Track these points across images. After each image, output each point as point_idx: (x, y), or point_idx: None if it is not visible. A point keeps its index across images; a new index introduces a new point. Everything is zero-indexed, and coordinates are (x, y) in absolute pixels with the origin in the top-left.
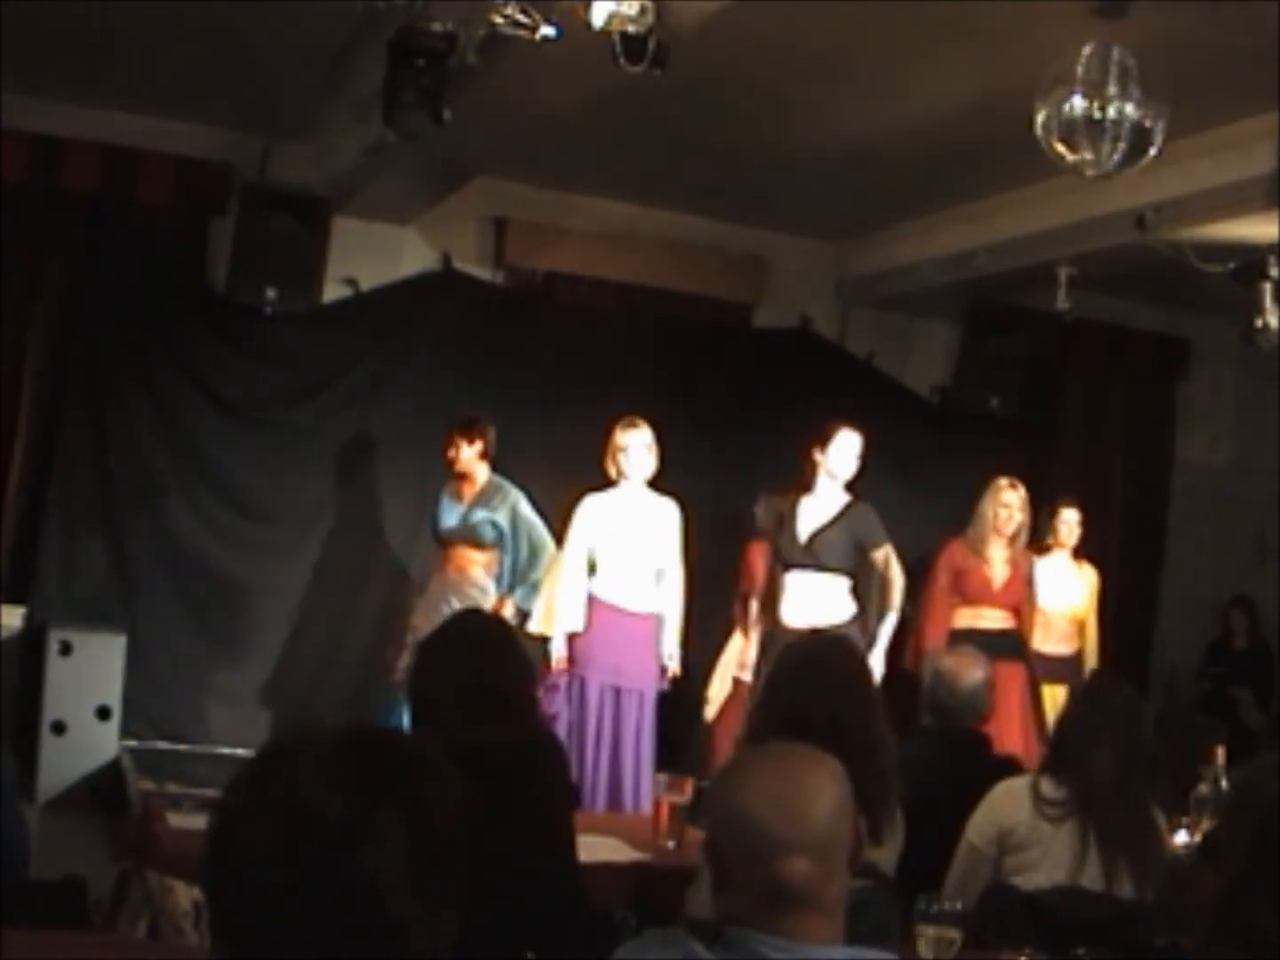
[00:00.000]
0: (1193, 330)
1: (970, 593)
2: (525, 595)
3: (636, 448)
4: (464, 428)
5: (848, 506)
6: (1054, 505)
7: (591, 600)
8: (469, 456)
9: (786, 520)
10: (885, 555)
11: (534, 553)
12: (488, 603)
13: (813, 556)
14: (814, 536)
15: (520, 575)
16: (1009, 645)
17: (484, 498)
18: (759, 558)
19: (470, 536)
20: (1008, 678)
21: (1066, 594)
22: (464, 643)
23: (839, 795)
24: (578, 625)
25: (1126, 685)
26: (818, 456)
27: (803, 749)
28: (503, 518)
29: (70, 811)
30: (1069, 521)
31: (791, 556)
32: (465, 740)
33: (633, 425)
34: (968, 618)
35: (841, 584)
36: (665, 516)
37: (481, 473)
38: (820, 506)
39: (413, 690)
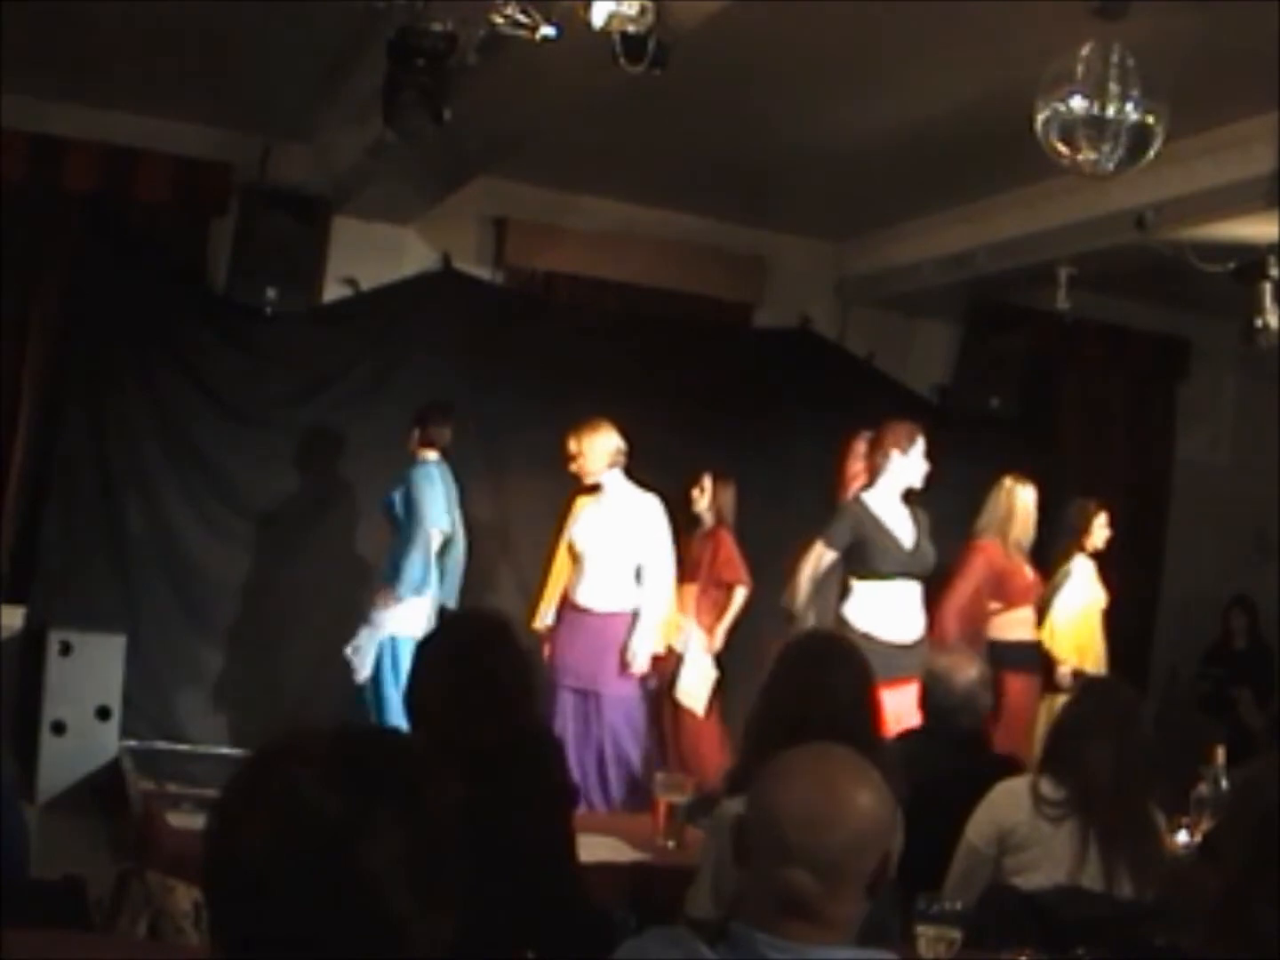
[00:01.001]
0: (1193, 330)
1: (1014, 595)
2: (406, 588)
3: (575, 458)
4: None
5: (914, 511)
6: (1089, 508)
7: (565, 602)
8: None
9: (871, 524)
10: None
11: (408, 538)
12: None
13: (914, 563)
14: (918, 543)
15: (394, 562)
16: (1037, 656)
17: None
18: (732, 545)
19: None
20: (1028, 691)
21: (1098, 598)
22: (460, 641)
23: (871, 823)
24: (547, 620)
25: (1123, 684)
26: (897, 457)
27: (857, 766)
28: (398, 495)
29: (70, 811)
30: (1103, 525)
31: (901, 564)
32: (464, 740)
33: (572, 432)
34: (1005, 626)
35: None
36: (647, 513)
37: (419, 456)
38: (895, 510)
39: (410, 691)
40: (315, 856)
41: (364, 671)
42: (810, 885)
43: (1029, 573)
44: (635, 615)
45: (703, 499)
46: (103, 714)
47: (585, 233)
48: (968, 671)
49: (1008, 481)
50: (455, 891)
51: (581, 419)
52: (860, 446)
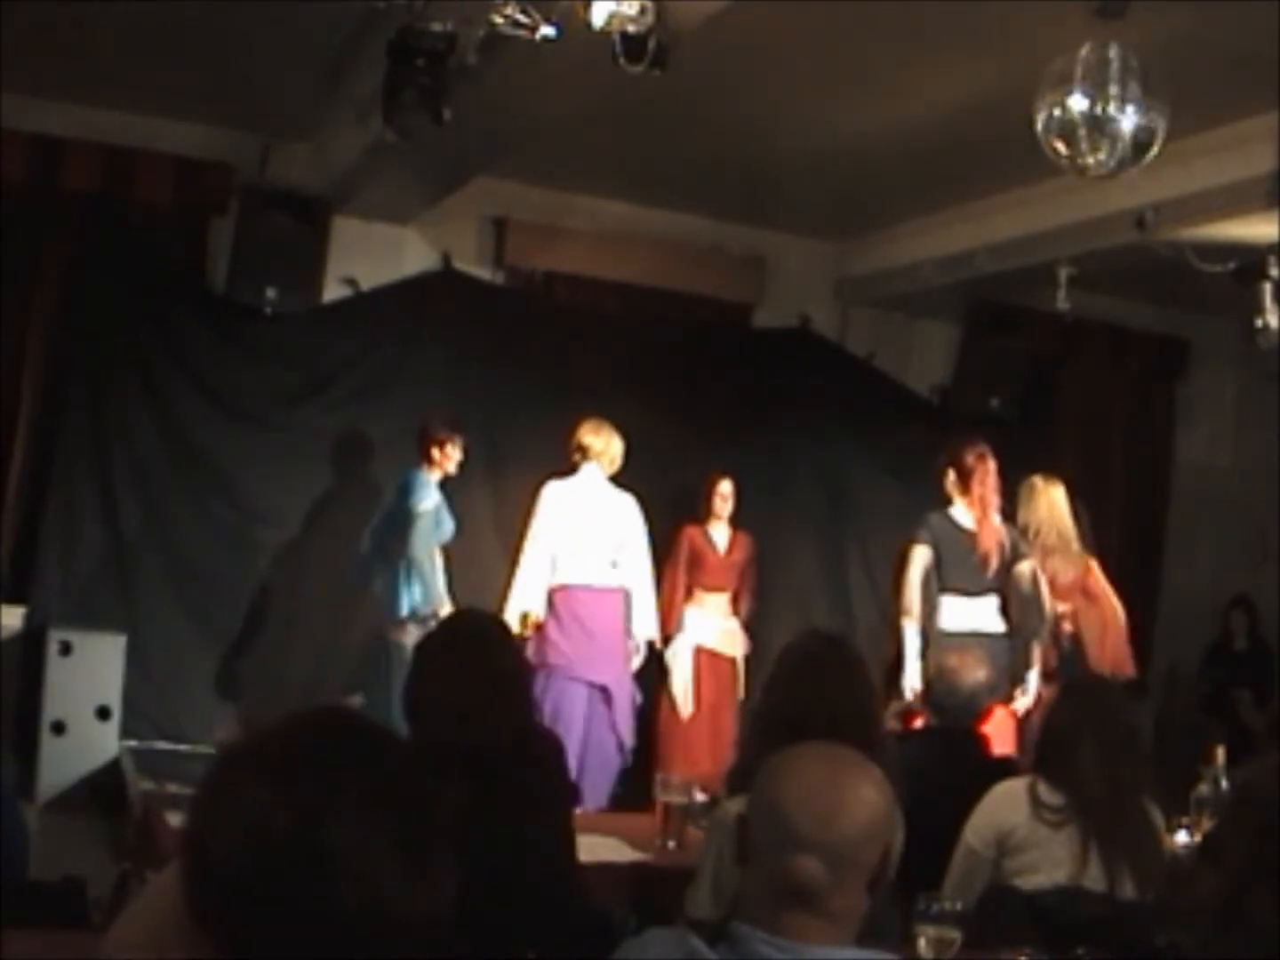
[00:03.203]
0: (1193, 330)
1: None
2: None
3: (617, 452)
4: None
5: None
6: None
7: (557, 589)
8: None
9: None
10: None
11: None
12: None
13: None
14: None
15: None
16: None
17: None
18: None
19: None
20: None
21: None
22: (460, 642)
23: (876, 814)
24: (537, 607)
25: (1104, 680)
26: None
27: (860, 761)
28: None
29: (70, 811)
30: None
31: None
32: (464, 740)
33: (611, 432)
34: None
35: None
36: (627, 507)
37: None
38: None
39: (409, 692)
40: (283, 854)
41: None
42: (819, 873)
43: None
44: (627, 595)
45: (728, 504)
46: (103, 714)
47: (585, 233)
48: (976, 673)
49: (1040, 482)
50: (443, 849)
51: (586, 417)
52: (991, 464)
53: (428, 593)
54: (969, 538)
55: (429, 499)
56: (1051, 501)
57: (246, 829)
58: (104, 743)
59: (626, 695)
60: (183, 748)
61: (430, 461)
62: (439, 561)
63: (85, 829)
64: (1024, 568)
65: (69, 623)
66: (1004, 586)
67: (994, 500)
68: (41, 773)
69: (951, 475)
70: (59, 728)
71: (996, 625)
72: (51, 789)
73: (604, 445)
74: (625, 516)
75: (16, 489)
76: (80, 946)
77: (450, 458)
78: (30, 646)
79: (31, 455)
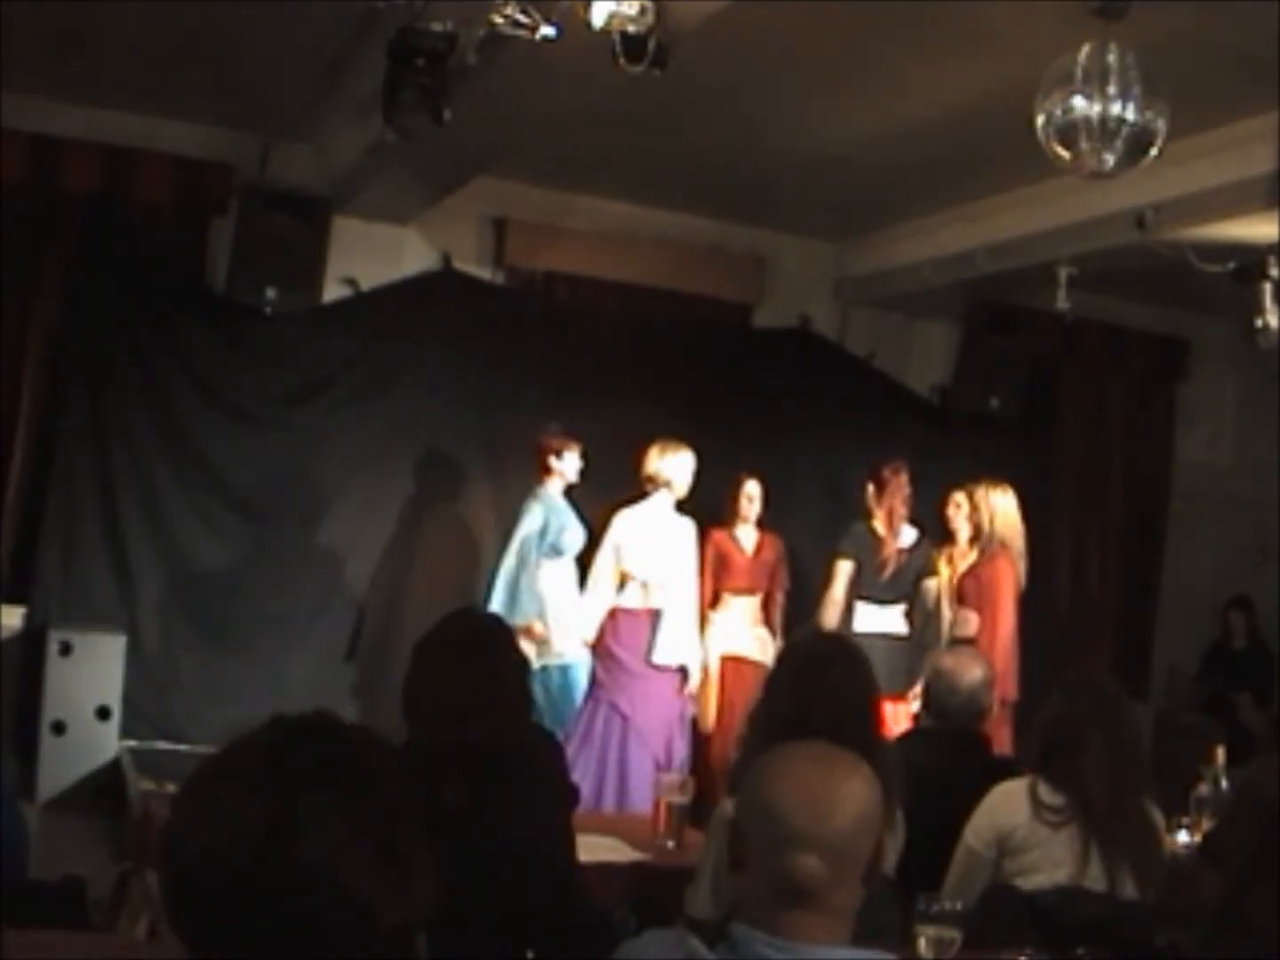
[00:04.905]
0: (1193, 330)
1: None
2: None
3: (686, 474)
4: None
5: None
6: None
7: (620, 612)
8: None
9: None
10: None
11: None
12: None
13: None
14: None
15: None
16: None
17: None
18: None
19: None
20: None
21: None
22: (460, 641)
23: (869, 807)
24: (589, 635)
25: (1105, 678)
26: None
27: (848, 756)
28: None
29: (70, 811)
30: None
31: None
32: (464, 740)
33: (677, 450)
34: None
35: None
36: (686, 533)
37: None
38: None
39: (408, 693)
40: (258, 858)
41: None
42: (820, 871)
43: None
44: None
45: (754, 505)
46: (103, 714)
47: (585, 233)
48: (973, 672)
49: (995, 490)
50: (419, 852)
51: (664, 438)
52: (904, 478)
53: (515, 606)
54: (882, 547)
55: (535, 518)
56: (1014, 507)
57: (222, 834)
58: (104, 743)
59: (663, 715)
60: (183, 748)
61: (549, 472)
62: (553, 576)
63: (85, 829)
64: (931, 584)
65: (69, 623)
66: (911, 596)
67: (902, 512)
68: (41, 773)
69: (871, 489)
70: (59, 728)
71: (901, 629)
72: (51, 789)
73: (673, 472)
74: (683, 542)
75: (16, 489)
76: (80, 946)
77: (570, 464)
78: (30, 646)
79: (31, 455)
